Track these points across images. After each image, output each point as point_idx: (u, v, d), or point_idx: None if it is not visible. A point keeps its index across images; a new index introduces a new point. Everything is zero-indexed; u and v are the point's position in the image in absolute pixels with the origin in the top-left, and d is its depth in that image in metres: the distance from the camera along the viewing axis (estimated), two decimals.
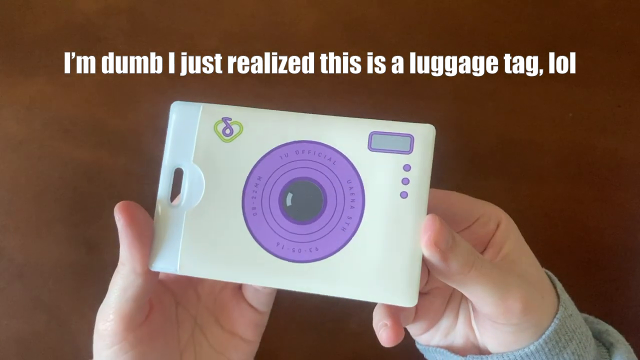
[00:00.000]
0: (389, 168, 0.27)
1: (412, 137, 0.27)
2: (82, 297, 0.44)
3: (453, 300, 0.33)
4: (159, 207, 0.28)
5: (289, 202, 0.27)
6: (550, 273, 0.33)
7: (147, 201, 0.44)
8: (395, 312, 0.29)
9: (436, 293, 0.32)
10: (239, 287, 0.34)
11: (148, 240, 0.28)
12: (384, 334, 0.28)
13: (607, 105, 0.46)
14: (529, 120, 0.46)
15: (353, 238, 0.27)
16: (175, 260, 0.27)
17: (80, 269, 0.44)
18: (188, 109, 0.28)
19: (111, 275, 0.29)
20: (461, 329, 0.32)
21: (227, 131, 0.28)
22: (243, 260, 0.27)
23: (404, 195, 0.27)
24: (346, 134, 0.27)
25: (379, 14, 0.45)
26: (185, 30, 0.45)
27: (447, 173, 0.45)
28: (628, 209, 0.45)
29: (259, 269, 0.27)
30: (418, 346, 0.35)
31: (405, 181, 0.26)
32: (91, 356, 0.30)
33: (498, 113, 0.46)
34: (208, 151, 0.28)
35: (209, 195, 0.28)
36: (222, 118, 0.28)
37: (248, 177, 0.28)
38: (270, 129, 0.28)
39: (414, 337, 0.34)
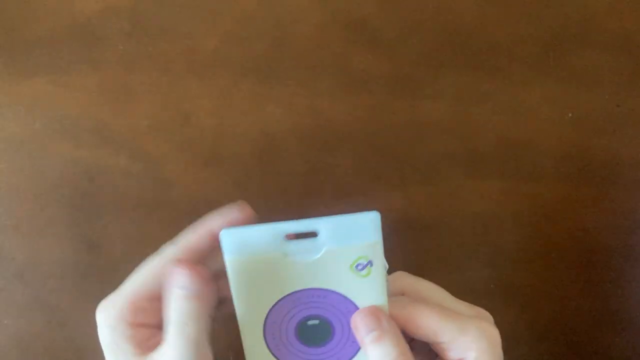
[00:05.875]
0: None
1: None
2: (82, 297, 0.44)
3: None
4: None
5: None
6: None
7: (147, 201, 0.44)
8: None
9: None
10: None
11: None
12: None
13: (607, 105, 0.46)
14: (529, 121, 0.46)
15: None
16: None
17: (80, 269, 0.44)
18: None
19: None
20: None
21: None
22: None
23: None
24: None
25: (379, 14, 0.45)
26: (185, 30, 0.45)
27: (447, 173, 0.46)
28: (627, 209, 0.45)
29: None
30: None
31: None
32: (92, 356, 0.30)
33: (498, 113, 0.46)
34: None
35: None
36: None
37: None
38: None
39: None
